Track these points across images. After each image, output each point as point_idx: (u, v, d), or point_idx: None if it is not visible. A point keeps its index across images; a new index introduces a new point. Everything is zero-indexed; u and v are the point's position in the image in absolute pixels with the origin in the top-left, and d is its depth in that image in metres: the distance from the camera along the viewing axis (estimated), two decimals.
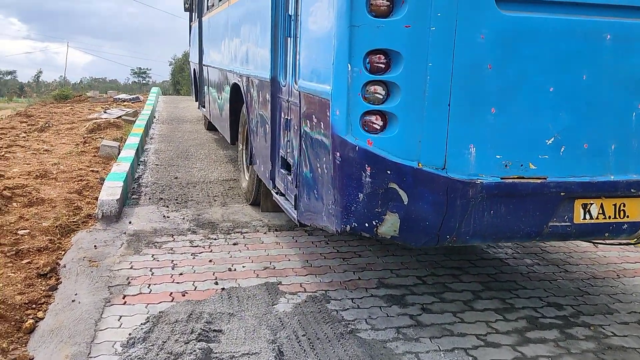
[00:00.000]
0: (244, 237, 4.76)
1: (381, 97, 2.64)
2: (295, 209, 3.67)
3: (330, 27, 2.77)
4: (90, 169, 6.64)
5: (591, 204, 2.88)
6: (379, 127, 2.67)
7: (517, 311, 3.61)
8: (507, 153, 2.70)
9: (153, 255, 4.28)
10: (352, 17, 2.57)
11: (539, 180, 2.75)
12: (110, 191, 5.27)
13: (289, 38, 3.79)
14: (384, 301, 3.66)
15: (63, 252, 4.25)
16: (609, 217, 2.92)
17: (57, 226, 4.61)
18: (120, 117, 11.16)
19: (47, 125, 9.98)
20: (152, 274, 3.93)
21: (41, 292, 3.58)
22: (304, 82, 3.31)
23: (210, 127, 10.70)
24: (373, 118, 2.66)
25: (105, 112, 12.16)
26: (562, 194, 2.79)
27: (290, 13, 3.73)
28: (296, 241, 4.72)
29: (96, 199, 5.44)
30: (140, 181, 6.61)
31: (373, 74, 2.62)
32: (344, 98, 2.66)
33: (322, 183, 3.05)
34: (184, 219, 5.21)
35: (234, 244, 4.58)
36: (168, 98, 19.82)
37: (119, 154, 7.38)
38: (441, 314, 3.52)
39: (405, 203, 2.65)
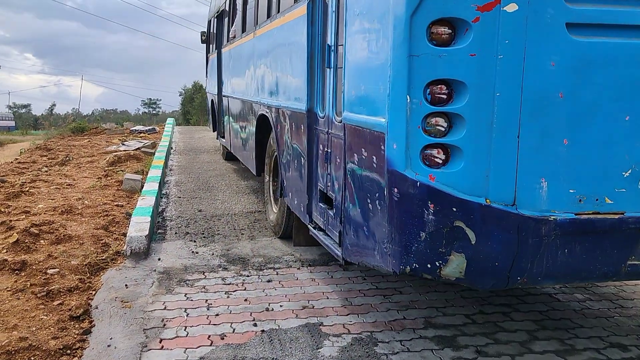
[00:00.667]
0: (277, 274, 4.57)
1: (443, 129, 2.47)
2: (339, 246, 3.47)
3: (384, 57, 2.61)
4: (115, 203, 6.52)
5: None
6: (440, 162, 2.48)
7: (580, 353, 3.35)
8: (581, 187, 2.50)
9: (186, 294, 4.09)
10: (411, 46, 2.42)
11: (616, 216, 2.54)
12: (138, 227, 5.11)
13: (328, 69, 3.64)
14: (435, 343, 3.42)
15: (94, 292, 4.08)
16: None
17: (86, 264, 4.47)
18: (138, 149, 11.09)
19: (67, 158, 9.93)
20: (187, 315, 3.73)
21: (75, 336, 3.39)
22: (349, 114, 3.14)
23: (229, 157, 10.59)
24: (434, 152, 2.48)
25: (123, 144, 12.11)
26: None
27: (330, 43, 3.59)
28: (332, 277, 4.52)
29: (123, 234, 5.31)
30: (164, 215, 6.47)
31: (434, 105, 2.45)
32: (402, 131, 2.49)
33: (373, 220, 2.85)
34: (213, 254, 5.04)
35: (268, 281, 4.39)
36: (183, 128, 19.79)
37: (142, 187, 7.26)
38: (498, 357, 3.27)
39: (473, 243, 2.45)
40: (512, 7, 2.33)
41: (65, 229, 5.17)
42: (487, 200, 2.44)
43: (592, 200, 2.52)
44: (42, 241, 4.86)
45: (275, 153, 5.50)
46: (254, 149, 6.27)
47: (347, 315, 3.80)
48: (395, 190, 2.55)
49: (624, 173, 2.54)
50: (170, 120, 17.86)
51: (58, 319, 3.55)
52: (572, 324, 3.77)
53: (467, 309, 3.95)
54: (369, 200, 2.90)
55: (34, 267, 4.28)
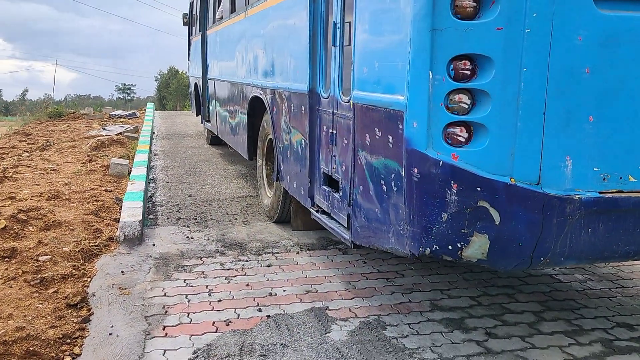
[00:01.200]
0: (276, 258, 4.47)
1: (466, 106, 2.38)
2: (347, 229, 3.37)
3: (402, 33, 2.51)
4: (103, 188, 6.29)
5: None
6: (463, 140, 2.40)
7: (588, 334, 3.33)
8: (605, 165, 2.46)
9: (185, 280, 3.97)
10: (434, 20, 2.32)
11: (639, 194, 2.48)
12: (131, 212, 4.96)
13: (334, 47, 3.52)
14: (444, 326, 3.37)
15: (89, 279, 3.93)
16: None
17: (78, 251, 4.29)
18: (121, 133, 10.81)
19: (48, 143, 9.60)
20: (188, 302, 3.61)
21: (74, 324, 3.24)
22: (360, 93, 3.03)
23: (214, 141, 10.40)
24: (457, 130, 2.39)
25: (104, 129, 11.81)
26: None
27: (335, 20, 3.46)
28: (332, 261, 4.43)
29: (115, 220, 5.15)
30: (154, 200, 6.31)
31: (458, 81, 2.36)
32: (424, 109, 2.39)
33: (388, 201, 2.76)
34: (208, 239, 4.91)
35: (268, 266, 4.29)
36: (163, 113, 19.42)
37: (129, 171, 7.05)
38: (509, 339, 3.23)
39: (497, 223, 2.38)
40: None
41: (54, 215, 4.97)
42: (512, 180, 2.37)
43: (616, 178, 2.48)
44: (30, 227, 4.66)
45: (270, 136, 5.36)
46: (245, 132, 6.12)
47: (352, 299, 3.72)
48: (415, 170, 2.46)
49: None
50: (150, 105, 17.49)
51: (54, 307, 3.39)
52: (577, 304, 3.75)
53: (471, 291, 3.91)
54: (382, 182, 2.81)
55: (24, 255, 4.10)
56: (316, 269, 4.25)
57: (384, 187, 2.80)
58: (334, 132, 3.57)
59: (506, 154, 2.36)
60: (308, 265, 4.31)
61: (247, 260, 4.39)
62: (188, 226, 5.29)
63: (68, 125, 13.23)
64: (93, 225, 4.87)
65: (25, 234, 4.54)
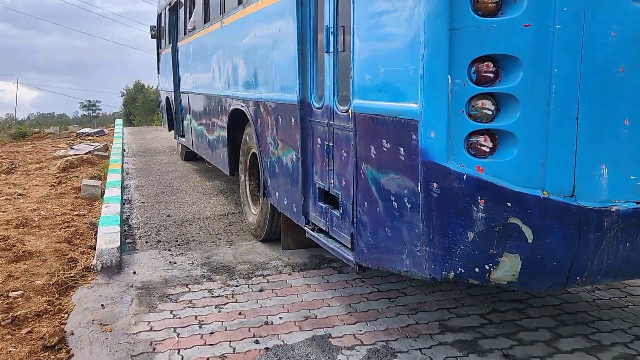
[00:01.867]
0: (268, 282, 4.15)
1: (490, 113, 2.15)
2: (351, 250, 3.10)
3: (413, 34, 2.26)
4: (75, 212, 5.92)
5: None
6: (488, 150, 2.17)
7: (609, 349, 3.13)
8: None
9: (172, 311, 3.63)
10: (452, 18, 2.08)
11: None
12: (108, 238, 4.59)
13: (327, 54, 3.26)
14: (457, 349, 3.11)
15: (66, 316, 3.56)
16: None
17: (53, 284, 3.93)
18: (90, 152, 10.34)
19: (13, 166, 9.10)
20: (178, 336, 3.28)
21: None
22: (362, 102, 2.77)
23: (188, 157, 10.03)
24: (481, 139, 2.16)
25: (72, 148, 11.35)
26: None
27: (328, 25, 3.20)
28: (327, 281, 4.14)
29: (90, 247, 4.78)
30: (130, 222, 5.91)
31: (480, 85, 2.11)
32: (443, 117, 2.15)
33: (401, 219, 2.50)
34: (193, 263, 4.57)
35: (260, 291, 3.97)
36: (132, 129, 18.91)
37: (102, 193, 6.66)
38: None
39: (530, 241, 2.14)
40: None
41: (24, 245, 4.59)
42: (545, 192, 2.14)
43: None
44: None
45: (253, 150, 5.07)
46: (225, 147, 5.80)
47: (355, 323, 3.44)
48: (435, 185, 2.20)
49: None
50: (119, 121, 16.95)
51: (30, 350, 3.03)
52: (590, 317, 3.55)
53: (479, 308, 3.67)
54: (393, 198, 2.55)
55: None
56: (312, 291, 3.96)
57: (394, 203, 2.54)
58: (331, 144, 3.30)
59: (537, 165, 2.13)
60: (303, 288, 4.01)
61: (236, 285, 4.07)
62: (169, 250, 4.94)
63: (33, 146, 12.71)
64: (67, 254, 4.50)
65: None
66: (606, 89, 2.14)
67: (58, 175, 8.26)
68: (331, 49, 3.21)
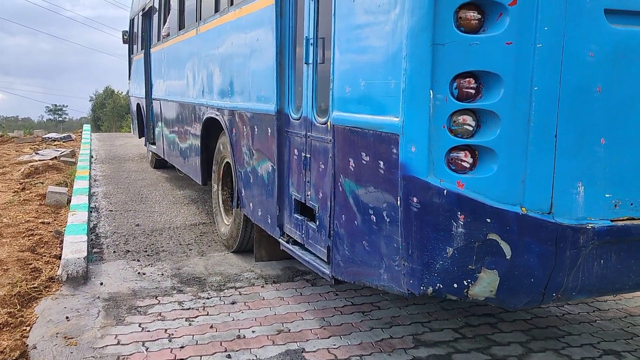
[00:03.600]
0: (240, 294, 4.06)
1: (471, 129, 2.15)
2: (327, 263, 3.06)
3: (395, 48, 2.26)
4: (40, 220, 5.69)
5: None
6: (468, 166, 2.17)
7: None
8: (616, 190, 2.28)
9: (140, 324, 3.51)
10: (435, 33, 2.08)
11: None
12: (74, 247, 4.44)
13: (306, 65, 3.24)
14: None
15: (28, 328, 3.42)
16: None
17: (14, 294, 3.75)
18: (56, 157, 10.05)
19: None
20: (147, 350, 3.18)
21: None
22: (342, 114, 2.75)
23: (159, 165, 9.86)
24: (461, 154, 2.16)
25: (37, 153, 11.00)
26: None
27: (308, 36, 3.19)
28: (301, 294, 4.08)
29: (55, 257, 4.61)
30: (97, 231, 5.73)
31: (462, 101, 2.12)
32: (424, 131, 2.14)
33: (379, 233, 2.48)
34: (162, 275, 4.44)
35: (232, 303, 3.88)
36: (101, 135, 18.47)
37: (68, 200, 6.44)
38: None
39: (508, 257, 2.14)
40: None
41: None
42: (523, 209, 2.15)
43: (627, 204, 2.31)
44: None
45: (227, 159, 5.00)
46: (198, 156, 5.71)
47: (329, 337, 3.40)
48: (415, 199, 2.19)
49: None
50: (87, 127, 16.58)
51: None
52: (560, 332, 3.60)
53: (452, 322, 3.68)
54: (371, 211, 2.53)
55: None
56: (285, 304, 3.89)
57: (373, 217, 2.52)
58: (308, 156, 3.27)
59: (516, 181, 2.14)
60: (276, 301, 3.94)
61: (208, 298, 3.97)
62: (138, 260, 4.80)
63: None
64: (30, 264, 4.32)
65: None
66: (584, 107, 2.17)
67: (22, 181, 8.00)
68: (310, 60, 3.19)
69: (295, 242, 3.59)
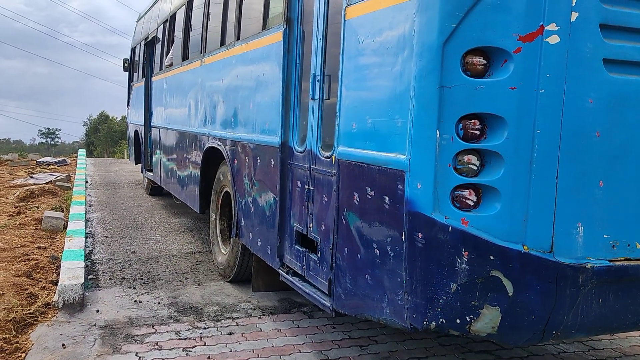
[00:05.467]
0: (237, 325, 4.06)
1: (475, 168, 2.23)
2: (328, 296, 3.10)
3: (403, 88, 2.36)
4: (36, 245, 5.67)
5: None
6: (472, 204, 2.24)
7: None
8: (614, 232, 2.36)
9: (137, 353, 3.50)
10: (442, 76, 2.18)
11: None
12: (71, 273, 4.44)
13: (312, 100, 3.33)
14: None
15: (23, 355, 3.42)
16: None
17: (10, 320, 3.74)
18: (51, 182, 10.04)
19: None
20: None
21: None
22: (348, 149, 2.83)
23: (154, 192, 9.89)
24: (466, 193, 2.23)
25: (32, 177, 11.00)
26: None
27: (316, 73, 3.29)
28: (298, 326, 4.09)
29: (51, 282, 4.59)
30: (92, 257, 5.71)
31: (467, 141, 2.21)
32: (430, 169, 2.22)
33: (383, 268, 2.53)
34: (159, 303, 4.43)
35: (229, 334, 3.87)
36: (96, 161, 18.46)
37: (65, 226, 6.43)
38: None
39: (510, 294, 2.20)
40: (554, 39, 2.17)
41: None
42: (525, 247, 2.21)
43: (624, 245, 2.38)
44: None
45: (227, 189, 5.05)
46: (197, 184, 5.76)
47: None
48: (420, 235, 2.26)
49: None
50: (82, 152, 16.62)
51: None
52: None
53: (449, 358, 3.69)
54: (375, 245, 2.58)
55: None
56: (282, 336, 3.89)
57: (377, 251, 2.57)
58: (311, 188, 3.34)
59: (519, 220, 2.22)
60: (273, 332, 3.94)
61: (205, 328, 3.96)
62: (134, 288, 4.80)
63: None
64: (26, 289, 4.29)
65: None
66: (583, 151, 2.27)
67: (17, 204, 7.97)
68: (317, 96, 3.29)
69: (295, 274, 3.62)
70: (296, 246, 3.55)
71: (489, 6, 2.15)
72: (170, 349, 3.57)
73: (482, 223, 2.20)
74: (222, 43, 5.13)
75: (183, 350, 3.56)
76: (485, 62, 2.20)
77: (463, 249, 2.18)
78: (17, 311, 3.84)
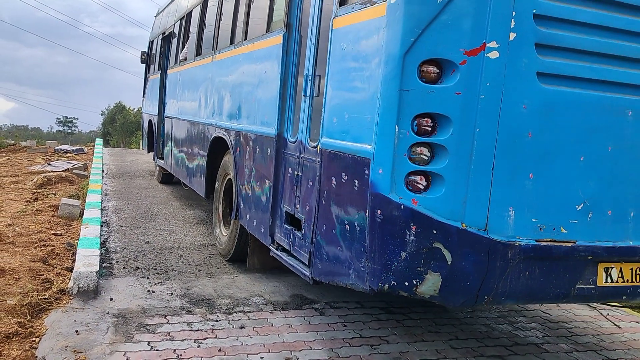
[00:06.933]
0: (249, 319, 4.19)
1: (426, 158, 2.73)
2: (308, 267, 3.60)
3: (372, 90, 2.87)
4: (52, 231, 5.86)
5: (612, 267, 3.07)
6: (422, 187, 2.74)
7: None
8: (541, 216, 2.86)
9: (149, 342, 3.61)
10: (402, 81, 2.69)
11: (569, 244, 2.91)
12: (86, 261, 4.61)
13: (304, 97, 3.85)
14: None
15: (37, 339, 3.52)
16: (627, 281, 3.11)
17: (25, 304, 3.88)
18: (68, 170, 10.47)
19: None
20: None
21: None
22: (329, 140, 3.35)
23: (165, 179, 10.40)
24: (417, 178, 2.74)
25: (49, 164, 11.40)
26: (589, 257, 2.98)
27: (308, 73, 3.80)
28: (309, 323, 4.20)
29: (66, 269, 4.80)
30: (107, 246, 5.89)
31: (420, 136, 2.71)
32: (389, 158, 2.73)
33: (350, 240, 3.04)
34: (172, 294, 4.58)
35: (241, 327, 4.00)
36: (112, 150, 18.58)
37: (81, 213, 6.72)
38: None
39: (449, 263, 2.70)
40: (494, 54, 2.67)
41: None
42: (463, 225, 2.71)
43: (550, 229, 2.88)
44: None
45: (229, 176, 5.59)
46: (204, 171, 6.31)
47: None
48: (379, 212, 2.76)
49: (577, 206, 2.94)
50: (99, 141, 17.23)
51: None
52: None
53: None
54: (346, 222, 3.09)
55: None
56: (293, 331, 4.01)
57: (347, 226, 3.08)
58: (300, 174, 3.85)
59: (459, 202, 2.72)
60: (284, 328, 4.07)
61: (216, 320, 4.08)
62: (147, 277, 4.94)
63: (8, 158, 12.55)
64: (42, 275, 4.46)
65: None
66: (516, 148, 2.77)
67: (34, 191, 8.17)
68: (308, 93, 3.80)
69: (283, 249, 4.13)
70: (285, 225, 4.07)
71: (441, 25, 2.65)
72: (182, 340, 3.68)
73: (428, 203, 2.70)
74: (232, 42, 5.67)
75: (194, 342, 3.67)
76: (438, 70, 2.70)
77: (412, 224, 2.68)
78: (32, 296, 4.01)
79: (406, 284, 2.76)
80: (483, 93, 2.67)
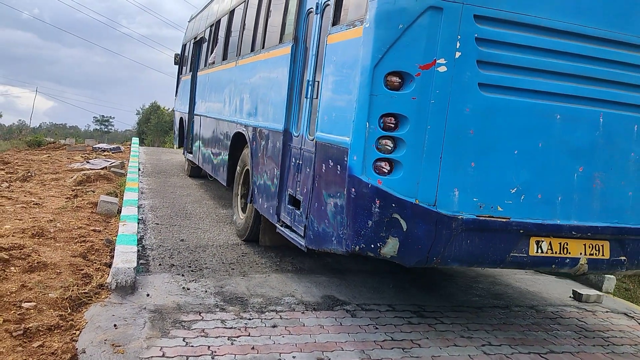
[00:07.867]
0: (281, 318, 4.31)
1: (390, 148, 3.54)
2: (303, 237, 4.43)
3: (352, 94, 3.68)
4: (91, 227, 6.10)
5: (542, 241, 3.83)
6: (386, 171, 3.55)
7: None
8: (481, 197, 3.66)
9: (184, 338, 3.77)
10: (372, 88, 3.51)
11: (504, 220, 3.70)
12: (124, 257, 4.81)
13: (305, 99, 4.68)
14: None
15: (78, 332, 3.68)
16: (555, 252, 3.88)
17: (66, 298, 4.06)
18: (106, 168, 10.78)
19: (29, 174, 9.35)
20: None
21: None
22: (321, 134, 4.20)
23: (194, 173, 11.29)
24: (382, 164, 3.55)
25: (88, 162, 11.77)
26: (521, 231, 3.76)
27: (309, 79, 4.64)
28: (340, 324, 4.32)
29: (105, 264, 4.97)
30: (143, 243, 6.05)
31: (385, 131, 3.51)
32: (361, 148, 3.55)
33: (334, 213, 3.86)
34: (206, 291, 4.72)
35: (273, 327, 4.12)
36: (148, 149, 18.97)
37: (119, 210, 6.98)
38: None
39: (405, 230, 3.50)
40: (442, 69, 3.47)
41: (39, 255, 4.78)
42: (417, 200, 3.52)
43: (489, 207, 3.67)
44: (12, 268, 4.44)
45: (247, 166, 6.46)
46: (226, 162, 7.22)
47: None
48: (353, 190, 3.57)
49: (511, 190, 3.74)
50: (135, 140, 17.89)
51: None
52: None
53: None
54: (331, 199, 3.91)
55: (5, 300, 3.89)
56: (325, 332, 4.13)
57: (332, 202, 3.92)
58: (300, 162, 4.69)
59: (414, 183, 3.53)
60: (316, 328, 4.18)
61: (250, 319, 4.21)
62: (182, 275, 5.08)
63: (49, 156, 12.92)
64: (82, 269, 4.63)
65: (6, 275, 4.32)
66: (461, 142, 3.58)
67: (74, 188, 8.46)
68: (308, 96, 4.65)
69: (286, 226, 4.97)
70: (288, 205, 4.92)
71: (402, 45, 3.46)
72: (216, 337, 3.81)
73: (390, 184, 3.51)
74: (252, 49, 6.56)
75: (228, 339, 3.80)
76: (400, 80, 3.50)
77: (377, 199, 3.49)
78: (72, 290, 4.17)
79: (372, 246, 3.57)
80: (433, 98, 3.47)
